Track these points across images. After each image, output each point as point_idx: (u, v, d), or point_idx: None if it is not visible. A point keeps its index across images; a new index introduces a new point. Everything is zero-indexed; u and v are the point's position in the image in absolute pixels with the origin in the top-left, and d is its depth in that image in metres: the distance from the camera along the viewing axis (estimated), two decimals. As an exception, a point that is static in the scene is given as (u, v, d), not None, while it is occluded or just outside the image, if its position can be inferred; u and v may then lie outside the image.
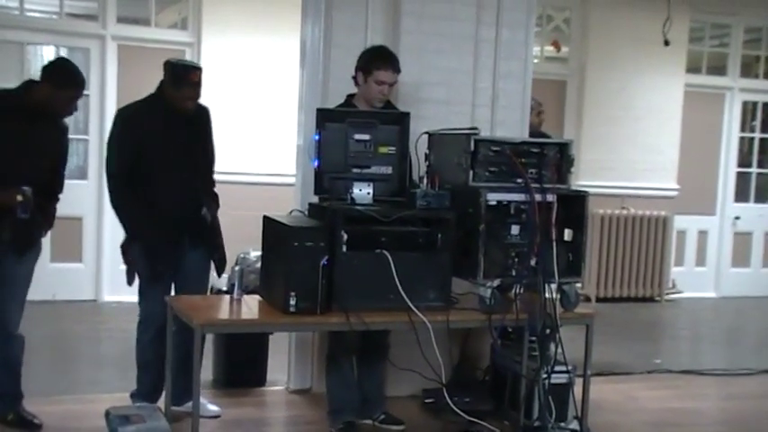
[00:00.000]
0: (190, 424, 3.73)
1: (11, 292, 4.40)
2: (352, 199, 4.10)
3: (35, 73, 7.92)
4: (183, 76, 4.64)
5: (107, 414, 3.94)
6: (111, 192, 4.71)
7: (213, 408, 4.89)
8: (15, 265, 4.38)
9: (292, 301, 3.78)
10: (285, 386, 5.47)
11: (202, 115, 4.86)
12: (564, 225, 4.20)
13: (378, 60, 4.59)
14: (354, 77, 4.66)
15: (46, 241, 7.57)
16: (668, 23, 8.65)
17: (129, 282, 4.74)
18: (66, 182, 7.76)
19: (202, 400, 4.83)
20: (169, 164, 4.62)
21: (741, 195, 10.42)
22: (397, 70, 4.62)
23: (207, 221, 4.75)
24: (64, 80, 4.35)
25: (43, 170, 4.43)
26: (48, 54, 8.00)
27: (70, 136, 7.82)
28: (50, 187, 4.52)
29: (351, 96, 4.72)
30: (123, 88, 7.92)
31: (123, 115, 4.78)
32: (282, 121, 7.63)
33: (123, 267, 4.81)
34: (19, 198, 4.17)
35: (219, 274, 4.93)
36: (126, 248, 4.74)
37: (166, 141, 4.64)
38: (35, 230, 4.47)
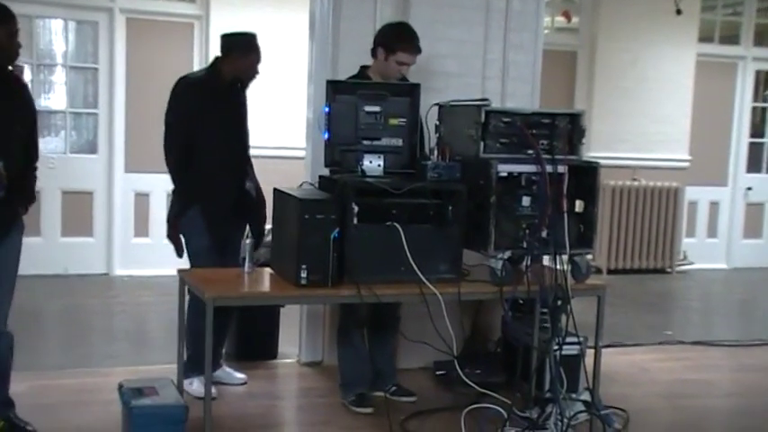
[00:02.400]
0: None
1: None
2: (363, 171, 4.09)
3: (44, 47, 7.97)
4: (251, 42, 4.88)
5: (120, 387, 3.96)
6: (171, 165, 4.72)
7: (240, 375, 5.00)
8: None
9: (303, 274, 3.78)
10: (297, 359, 5.49)
11: (243, 91, 4.96)
12: (575, 196, 4.18)
13: (403, 42, 4.59)
14: (373, 51, 4.62)
15: (56, 216, 7.74)
16: (680, -8, 8.58)
17: (180, 254, 4.78)
18: (77, 156, 8.01)
19: (228, 368, 4.98)
20: (226, 137, 4.76)
21: (753, 166, 10.36)
22: (418, 51, 4.62)
23: (252, 195, 4.88)
24: None
25: (14, 139, 3.95)
26: (57, 27, 8.00)
27: (79, 110, 8.03)
28: (25, 157, 4.04)
29: (365, 68, 4.70)
30: (132, 61, 7.92)
31: (181, 87, 4.80)
32: (292, 94, 7.61)
33: (164, 242, 4.82)
34: None
35: (258, 248, 4.92)
36: (177, 221, 4.74)
37: (223, 115, 4.77)
38: (14, 207, 3.97)
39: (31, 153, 4.13)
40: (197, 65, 7.98)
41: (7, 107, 3.93)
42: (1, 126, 3.89)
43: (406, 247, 3.88)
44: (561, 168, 4.08)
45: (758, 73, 10.28)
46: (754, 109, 10.36)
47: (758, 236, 10.38)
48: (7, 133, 3.92)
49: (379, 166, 4.13)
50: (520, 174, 4.06)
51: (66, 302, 7.01)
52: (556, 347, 4.19)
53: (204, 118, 4.69)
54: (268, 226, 4.86)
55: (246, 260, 4.11)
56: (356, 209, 3.86)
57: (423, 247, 3.94)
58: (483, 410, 4.33)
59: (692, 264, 9.82)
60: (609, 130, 9.16)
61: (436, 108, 4.40)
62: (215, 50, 8.21)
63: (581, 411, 4.42)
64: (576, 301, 4.17)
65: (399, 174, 4.15)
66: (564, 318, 4.16)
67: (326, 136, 4.16)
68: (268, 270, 4.21)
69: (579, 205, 4.20)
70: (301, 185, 4.37)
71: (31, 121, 4.11)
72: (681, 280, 9.43)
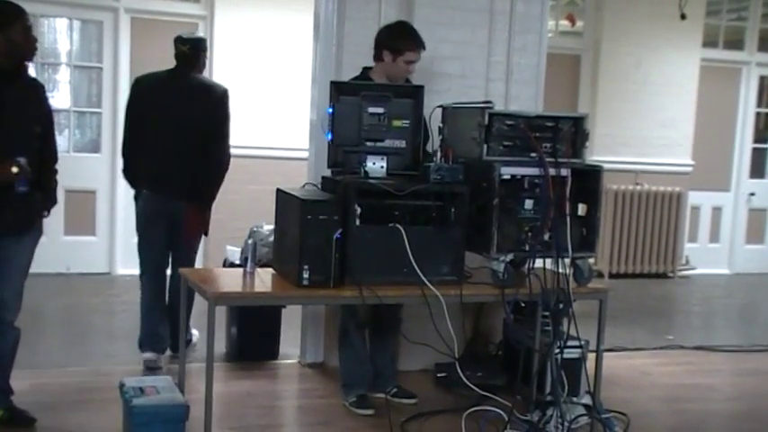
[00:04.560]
0: (202, 395, 3.75)
1: (7, 277, 4.01)
2: (366, 172, 4.09)
3: (49, 46, 7.98)
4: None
5: (121, 385, 3.96)
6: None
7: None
8: (12, 247, 3.98)
9: (305, 275, 3.78)
10: (298, 360, 5.49)
11: None
12: (578, 200, 4.18)
13: (409, 41, 4.60)
14: (377, 54, 4.63)
15: (59, 214, 7.74)
16: (685, -3, 8.57)
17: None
18: (80, 155, 8.01)
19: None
20: None
21: (756, 171, 10.36)
22: (423, 47, 4.64)
23: None
24: (3, 16, 3.89)
25: (33, 138, 4.01)
26: (61, 26, 8.01)
27: (83, 109, 8.03)
28: (44, 158, 4.11)
29: (367, 69, 4.70)
30: (136, 61, 7.92)
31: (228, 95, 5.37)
32: (296, 95, 7.61)
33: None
34: (15, 170, 3.80)
35: None
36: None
37: None
38: (35, 208, 4.09)
39: (49, 154, 4.18)
40: (202, 65, 7.99)
41: (27, 105, 3.99)
42: (21, 123, 3.94)
43: (408, 249, 3.89)
44: (564, 171, 4.08)
45: (762, 78, 10.27)
46: (758, 114, 10.35)
47: (760, 241, 10.37)
48: (27, 131, 3.98)
49: (381, 167, 4.13)
50: (523, 176, 4.06)
51: (67, 301, 7.02)
52: (557, 351, 4.19)
53: None
54: (269, 226, 4.89)
55: (248, 260, 4.11)
56: (359, 210, 3.86)
57: (425, 248, 3.94)
58: (484, 413, 4.32)
59: (694, 269, 9.81)
60: (612, 133, 9.16)
61: (440, 110, 4.41)
62: (220, 51, 8.26)
63: (582, 415, 4.42)
64: (577, 305, 4.17)
65: (402, 175, 4.16)
66: (565, 321, 4.16)
67: (330, 137, 4.16)
68: (270, 270, 4.21)
69: (582, 209, 4.20)
70: (304, 186, 4.37)
71: (47, 118, 4.17)
72: (683, 285, 9.42)
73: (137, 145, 5.22)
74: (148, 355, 5.16)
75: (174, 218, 5.19)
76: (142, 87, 5.29)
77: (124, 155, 5.36)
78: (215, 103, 5.20)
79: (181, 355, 4.28)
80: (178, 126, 5.11)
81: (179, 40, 5.23)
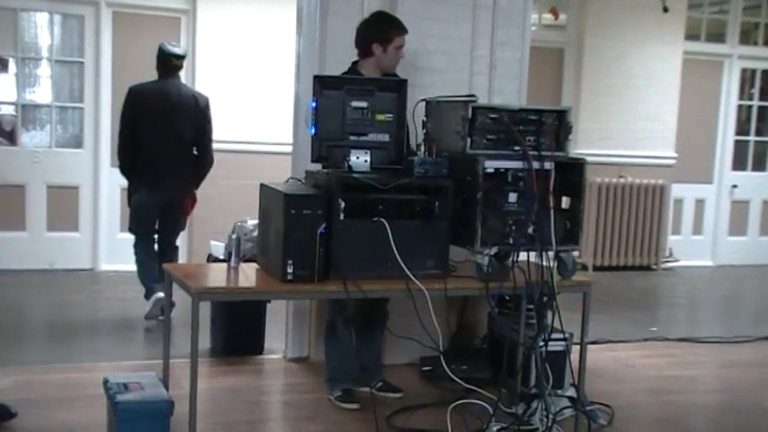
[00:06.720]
0: (187, 391, 3.74)
1: None
2: (350, 167, 4.08)
3: (30, 41, 7.92)
4: None
5: (105, 382, 3.94)
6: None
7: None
8: None
9: (290, 269, 3.77)
10: (283, 354, 5.48)
11: None
12: (562, 193, 4.19)
13: (394, 27, 4.62)
14: (365, 51, 4.61)
15: (42, 211, 7.71)
16: (667, -10, 8.61)
17: None
18: (62, 150, 7.95)
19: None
20: None
21: (738, 163, 10.42)
22: (407, 31, 4.67)
23: None
24: None
25: None
26: (42, 21, 7.95)
27: (65, 104, 8.00)
28: None
29: (356, 63, 4.69)
30: (118, 56, 7.89)
31: None
32: (279, 89, 7.59)
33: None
34: None
35: None
36: None
37: None
38: None
39: None
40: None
41: None
42: None
43: (392, 243, 3.88)
44: (548, 165, 4.08)
45: (744, 71, 10.33)
46: (740, 107, 10.40)
47: (743, 233, 10.43)
48: None
49: (365, 161, 4.12)
50: (506, 170, 4.07)
51: (51, 297, 6.98)
52: (542, 344, 4.20)
53: None
54: (253, 221, 4.88)
55: (232, 255, 4.10)
56: (343, 204, 3.85)
57: (409, 242, 3.94)
58: (469, 406, 4.33)
59: (677, 261, 9.86)
60: (596, 127, 9.19)
61: (423, 104, 4.40)
62: (202, 45, 8.26)
63: (566, 407, 4.43)
64: (561, 298, 4.18)
65: (386, 169, 4.14)
66: (550, 314, 4.17)
67: (313, 131, 4.15)
68: (254, 265, 4.20)
69: (566, 202, 4.20)
70: (288, 181, 4.36)
71: None
72: (666, 277, 9.47)
73: (136, 149, 6.02)
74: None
75: (167, 206, 6.16)
76: (142, 97, 6.04)
77: (122, 158, 6.13)
78: (203, 110, 6.17)
79: (165, 351, 4.26)
80: (177, 132, 6.01)
81: (174, 56, 6.08)
